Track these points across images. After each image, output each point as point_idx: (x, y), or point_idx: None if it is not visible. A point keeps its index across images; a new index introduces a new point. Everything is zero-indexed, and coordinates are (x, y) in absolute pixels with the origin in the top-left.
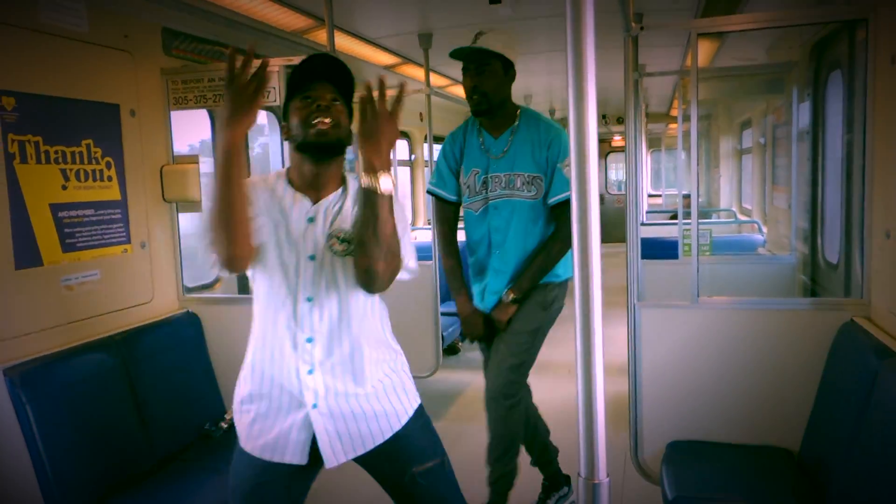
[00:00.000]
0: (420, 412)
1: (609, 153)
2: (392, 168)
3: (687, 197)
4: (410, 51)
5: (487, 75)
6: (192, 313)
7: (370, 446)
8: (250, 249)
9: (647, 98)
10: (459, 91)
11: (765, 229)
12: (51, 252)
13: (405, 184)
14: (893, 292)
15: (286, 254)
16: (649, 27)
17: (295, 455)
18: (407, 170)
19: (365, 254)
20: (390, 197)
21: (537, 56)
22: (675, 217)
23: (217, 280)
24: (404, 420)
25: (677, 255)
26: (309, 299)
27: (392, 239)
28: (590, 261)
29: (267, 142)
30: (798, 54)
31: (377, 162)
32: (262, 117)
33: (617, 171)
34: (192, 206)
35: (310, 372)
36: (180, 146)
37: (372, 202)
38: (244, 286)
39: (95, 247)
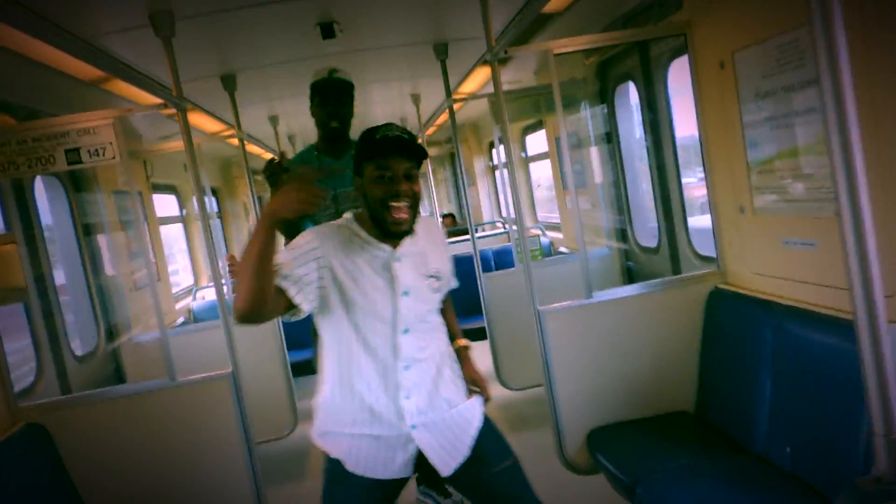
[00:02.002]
0: (485, 416)
1: None
2: None
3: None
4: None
5: (347, 105)
6: (37, 425)
7: (467, 452)
8: (262, 308)
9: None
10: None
11: (551, 234)
12: None
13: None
14: (751, 256)
15: (381, 292)
16: (513, 53)
17: (403, 470)
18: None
19: None
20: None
21: (369, 87)
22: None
23: (39, 378)
24: (479, 426)
25: (513, 263)
26: (405, 331)
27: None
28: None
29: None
30: (583, 72)
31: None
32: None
33: None
34: (15, 294)
35: (407, 397)
36: None
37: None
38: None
39: None
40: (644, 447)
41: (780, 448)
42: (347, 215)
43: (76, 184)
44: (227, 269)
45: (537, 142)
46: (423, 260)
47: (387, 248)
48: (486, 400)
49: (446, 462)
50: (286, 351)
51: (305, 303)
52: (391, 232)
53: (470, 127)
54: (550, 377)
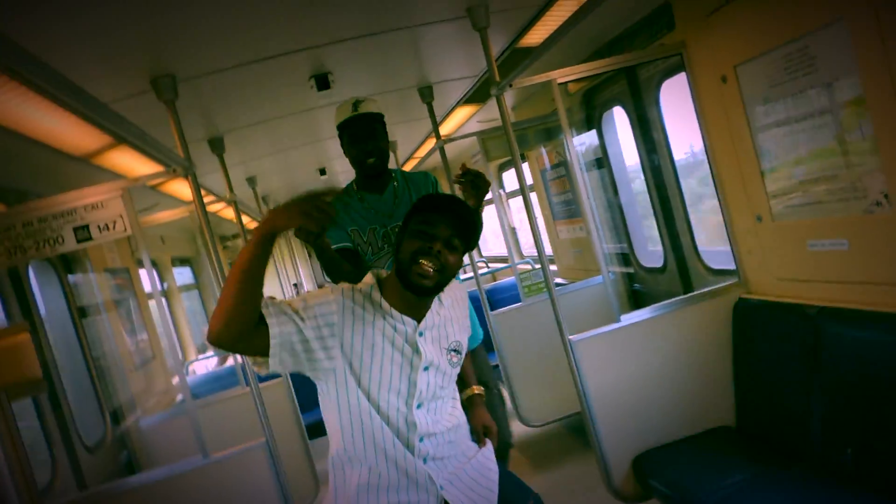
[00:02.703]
0: (500, 464)
1: None
2: None
3: None
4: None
5: (381, 137)
6: None
7: (495, 500)
8: (242, 330)
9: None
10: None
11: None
12: None
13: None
14: (774, 263)
15: (397, 366)
16: (517, 86)
17: None
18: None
19: None
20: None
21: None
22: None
23: (56, 475)
24: (496, 477)
25: (517, 299)
26: (419, 406)
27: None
28: None
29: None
30: (568, 103)
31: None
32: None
33: None
34: (33, 387)
35: (424, 461)
36: None
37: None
38: None
39: None
40: (694, 467)
41: (838, 452)
42: (369, 279)
43: (67, 265)
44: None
45: (512, 179)
46: (445, 332)
47: (410, 321)
48: (503, 451)
49: None
50: (300, 414)
51: (276, 358)
52: (413, 285)
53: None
54: (589, 406)
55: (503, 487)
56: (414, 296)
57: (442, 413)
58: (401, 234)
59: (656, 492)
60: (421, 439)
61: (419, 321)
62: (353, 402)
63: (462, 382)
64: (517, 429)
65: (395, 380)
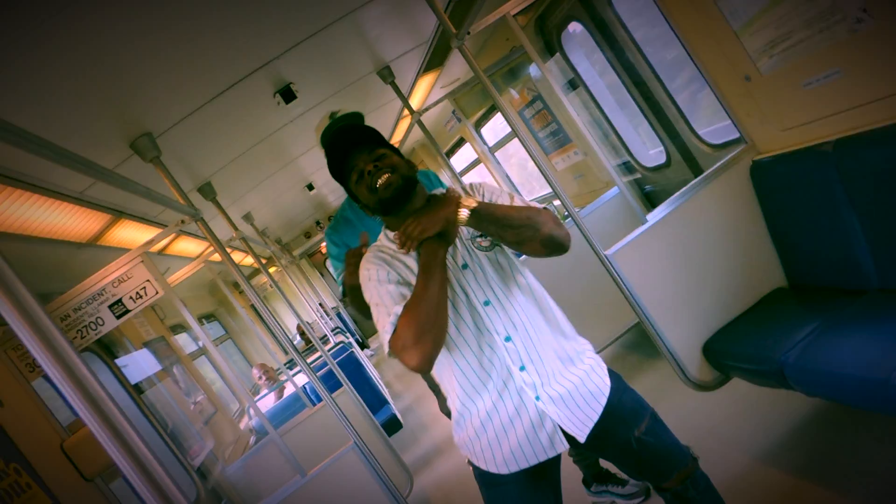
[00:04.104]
0: (613, 375)
1: None
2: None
3: None
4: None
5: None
6: None
7: (600, 411)
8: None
9: None
10: None
11: (556, 202)
12: None
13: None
14: (774, 116)
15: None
16: (474, 30)
17: (548, 448)
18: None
19: (528, 239)
20: (478, 207)
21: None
22: None
23: None
24: (608, 389)
25: None
26: (486, 303)
27: (521, 211)
28: None
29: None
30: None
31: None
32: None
33: None
34: (116, 471)
35: (522, 368)
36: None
37: (480, 226)
38: None
39: None
40: (763, 335)
41: (894, 276)
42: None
43: (109, 351)
44: (262, 377)
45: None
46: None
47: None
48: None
49: (580, 427)
50: (372, 415)
51: None
52: (390, 198)
53: (419, 147)
54: (644, 311)
55: (620, 404)
56: (404, 211)
57: (524, 308)
58: (356, 199)
59: (733, 370)
60: (507, 339)
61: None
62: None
63: None
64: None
65: (453, 276)
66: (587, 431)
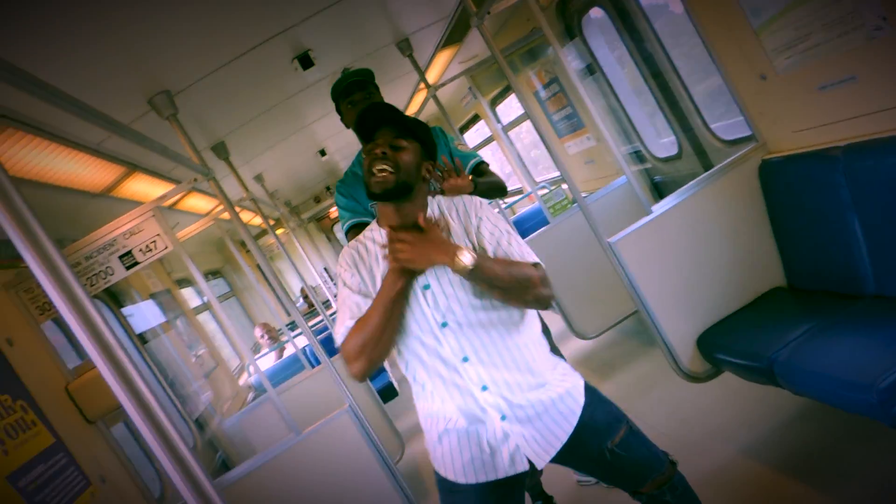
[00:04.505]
0: (588, 389)
1: None
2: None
3: None
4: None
5: (375, 95)
6: None
7: (564, 438)
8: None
9: None
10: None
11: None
12: None
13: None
14: (787, 117)
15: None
16: (495, 10)
17: (508, 468)
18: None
19: (514, 298)
20: (475, 267)
21: None
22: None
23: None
24: (581, 404)
25: (545, 222)
26: (444, 325)
27: (514, 273)
28: None
29: None
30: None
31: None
32: None
33: None
34: (117, 415)
35: (483, 388)
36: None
37: (470, 279)
38: None
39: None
40: (757, 331)
41: (891, 284)
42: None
43: (117, 300)
44: (263, 336)
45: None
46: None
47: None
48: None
49: (539, 454)
50: (369, 381)
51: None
52: (379, 193)
53: (434, 121)
54: (643, 300)
55: (592, 417)
56: (392, 206)
57: (487, 329)
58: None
59: (725, 364)
60: (465, 359)
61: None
62: (401, 337)
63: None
64: (575, 344)
65: (412, 302)
66: (548, 459)
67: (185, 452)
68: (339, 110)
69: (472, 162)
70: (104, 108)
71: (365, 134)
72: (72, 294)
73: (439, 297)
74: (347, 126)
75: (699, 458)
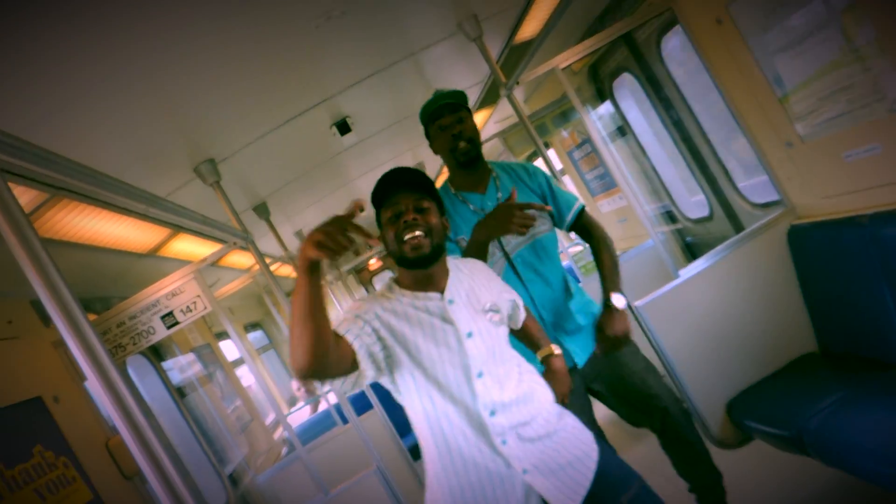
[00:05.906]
0: (599, 442)
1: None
2: None
3: None
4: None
5: (467, 121)
6: None
7: (588, 486)
8: (325, 357)
9: None
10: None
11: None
12: None
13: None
14: (815, 183)
15: (447, 337)
16: (524, 81)
17: None
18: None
19: None
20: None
21: (383, 165)
22: None
23: None
24: (597, 456)
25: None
26: (479, 375)
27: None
28: None
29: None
30: (576, 82)
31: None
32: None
33: None
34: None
35: (504, 442)
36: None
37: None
38: None
39: None
40: (787, 399)
41: None
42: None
43: (158, 354)
44: (300, 389)
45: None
46: (476, 297)
47: (434, 295)
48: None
49: (570, 497)
50: (400, 439)
51: (366, 361)
52: (411, 260)
53: None
54: (671, 365)
55: (607, 472)
56: (423, 272)
57: (508, 380)
58: (382, 235)
59: (755, 431)
60: (492, 413)
61: (442, 293)
62: (422, 387)
63: (534, 346)
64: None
65: (447, 353)
66: (579, 501)
67: None
68: (427, 135)
69: (576, 209)
70: (151, 178)
71: (378, 199)
72: (96, 358)
73: (480, 346)
74: (436, 152)
75: None
